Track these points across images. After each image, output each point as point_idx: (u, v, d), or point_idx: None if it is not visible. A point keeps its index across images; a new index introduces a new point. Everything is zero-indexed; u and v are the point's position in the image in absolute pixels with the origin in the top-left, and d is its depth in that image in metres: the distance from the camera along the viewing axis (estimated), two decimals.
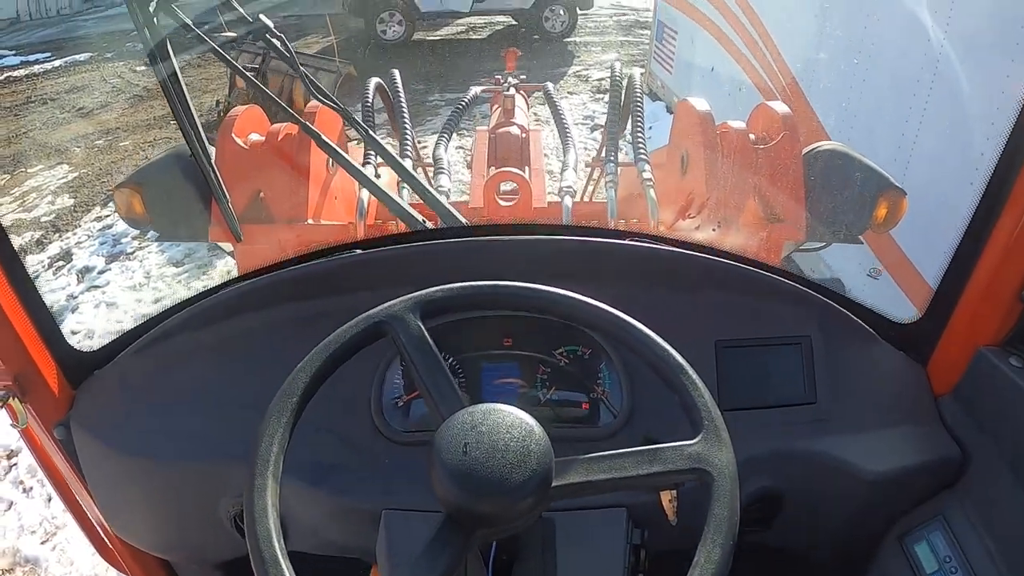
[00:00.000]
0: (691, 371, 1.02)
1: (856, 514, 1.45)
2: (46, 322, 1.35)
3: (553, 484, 0.89)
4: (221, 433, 1.36)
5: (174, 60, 1.60)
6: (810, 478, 1.41)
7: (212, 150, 2.38)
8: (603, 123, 3.26)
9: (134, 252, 6.33)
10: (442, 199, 2.30)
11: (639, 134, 2.55)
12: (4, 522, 3.62)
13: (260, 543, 0.84)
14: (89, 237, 6.96)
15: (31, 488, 3.80)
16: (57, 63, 15.18)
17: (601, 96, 10.70)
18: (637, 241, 1.48)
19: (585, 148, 8.39)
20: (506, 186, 2.49)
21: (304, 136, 2.19)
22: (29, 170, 9.07)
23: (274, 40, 1.85)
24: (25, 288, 1.29)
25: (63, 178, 8.64)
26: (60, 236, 7.10)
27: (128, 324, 5.24)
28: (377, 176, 2.49)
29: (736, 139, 2.43)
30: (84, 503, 1.55)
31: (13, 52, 17.26)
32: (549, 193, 2.81)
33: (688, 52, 8.50)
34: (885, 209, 2.30)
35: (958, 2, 3.46)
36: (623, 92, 2.88)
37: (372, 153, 2.48)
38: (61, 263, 6.51)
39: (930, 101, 3.68)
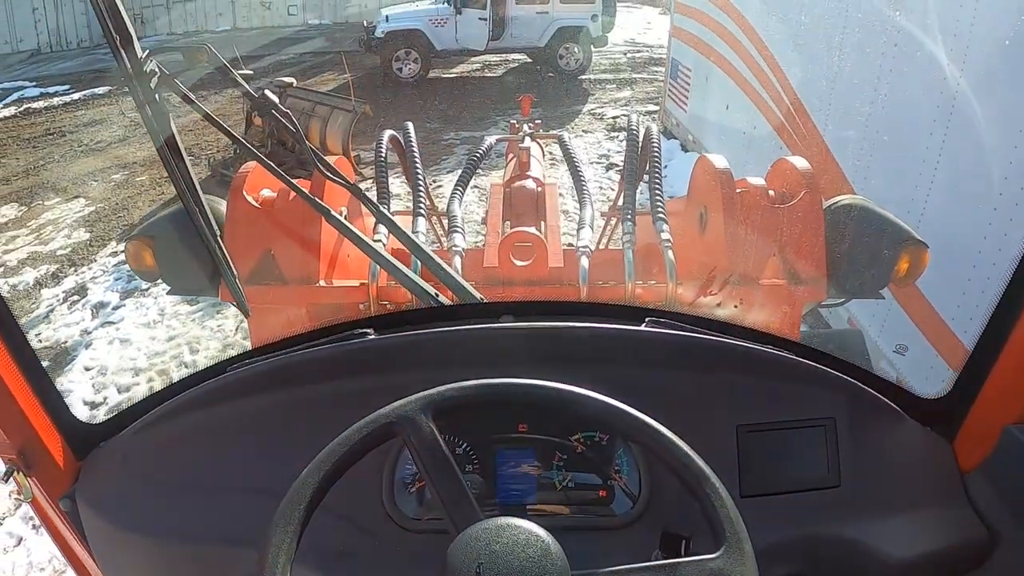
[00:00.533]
0: (714, 479, 0.99)
1: None
2: (50, 394, 1.33)
3: None
4: (227, 517, 1.32)
5: (177, 137, 1.58)
6: (835, 564, 1.36)
7: (224, 204, 2.38)
8: (617, 162, 3.23)
9: (148, 288, 6.34)
10: (453, 266, 2.28)
11: (657, 194, 2.52)
12: (14, 558, 3.61)
13: None
14: (104, 272, 7.00)
15: (40, 526, 3.77)
16: (76, 96, 15.42)
17: (616, 134, 10.75)
18: (655, 328, 1.44)
19: (600, 188, 8.42)
20: (523, 244, 2.46)
21: (316, 191, 2.17)
22: (46, 203, 9.16)
23: (279, 115, 1.83)
24: (28, 360, 1.27)
25: (80, 212, 8.72)
26: (75, 270, 7.14)
27: (141, 361, 5.28)
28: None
29: (756, 197, 2.40)
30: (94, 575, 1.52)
31: (33, 84, 17.56)
32: (566, 246, 2.78)
33: (702, 90, 8.54)
34: (907, 263, 2.27)
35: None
36: (639, 144, 2.85)
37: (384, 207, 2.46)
38: (76, 297, 6.54)
39: (947, 136, 3.67)
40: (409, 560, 1.29)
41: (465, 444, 1.38)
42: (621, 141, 3.21)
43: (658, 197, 2.52)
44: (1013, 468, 1.28)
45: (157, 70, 1.51)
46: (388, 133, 2.82)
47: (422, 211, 2.57)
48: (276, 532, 0.91)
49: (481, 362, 1.14)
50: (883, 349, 4.22)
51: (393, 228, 1.97)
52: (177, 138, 1.57)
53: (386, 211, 2.37)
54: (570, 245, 2.64)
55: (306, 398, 1.37)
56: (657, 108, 11.27)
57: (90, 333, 5.88)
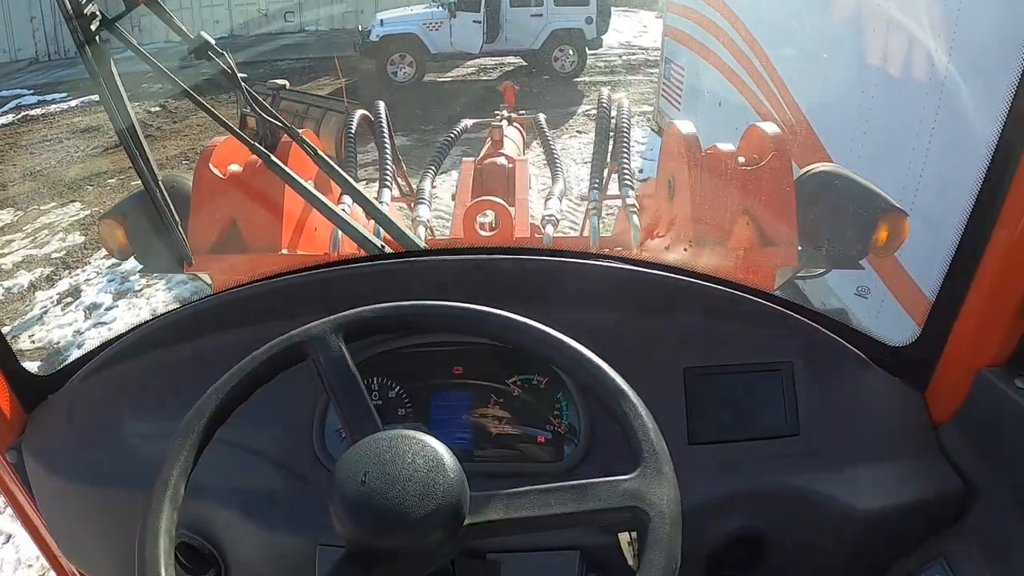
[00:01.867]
0: (632, 395, 0.93)
1: (849, 556, 1.32)
2: None
3: (466, 522, 0.82)
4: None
5: (128, 106, 1.57)
6: (795, 517, 1.29)
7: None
8: (611, 161, 3.23)
9: (141, 290, 6.35)
10: (408, 226, 2.28)
11: (624, 160, 2.51)
12: (2, 555, 3.59)
13: (147, 569, 0.79)
14: (98, 274, 7.00)
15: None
16: (73, 103, 15.42)
17: (610, 134, 10.72)
18: (593, 261, 1.39)
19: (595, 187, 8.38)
20: (488, 217, 2.44)
21: (282, 158, 2.17)
22: (42, 207, 9.16)
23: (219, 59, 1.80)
24: None
25: (75, 216, 8.72)
26: (70, 272, 7.14)
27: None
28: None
29: (724, 160, 2.38)
30: (42, 531, 1.51)
31: (31, 91, 17.58)
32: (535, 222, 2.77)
33: (695, 87, 8.54)
34: (886, 232, 2.22)
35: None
36: (612, 120, 2.85)
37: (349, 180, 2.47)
38: (70, 299, 6.54)
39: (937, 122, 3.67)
40: None
41: (397, 387, 1.34)
42: (610, 138, 3.17)
43: (625, 164, 2.51)
44: (989, 415, 1.22)
45: (98, 13, 1.50)
46: (359, 112, 2.82)
47: (388, 184, 2.56)
48: (173, 446, 0.90)
49: (410, 295, 1.09)
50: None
51: (349, 188, 1.96)
52: (131, 112, 1.57)
53: (351, 179, 2.38)
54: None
55: (242, 338, 1.31)
56: (651, 109, 11.27)
57: (83, 334, 5.88)
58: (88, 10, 1.48)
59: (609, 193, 2.62)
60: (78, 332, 5.89)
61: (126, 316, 6.01)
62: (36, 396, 1.41)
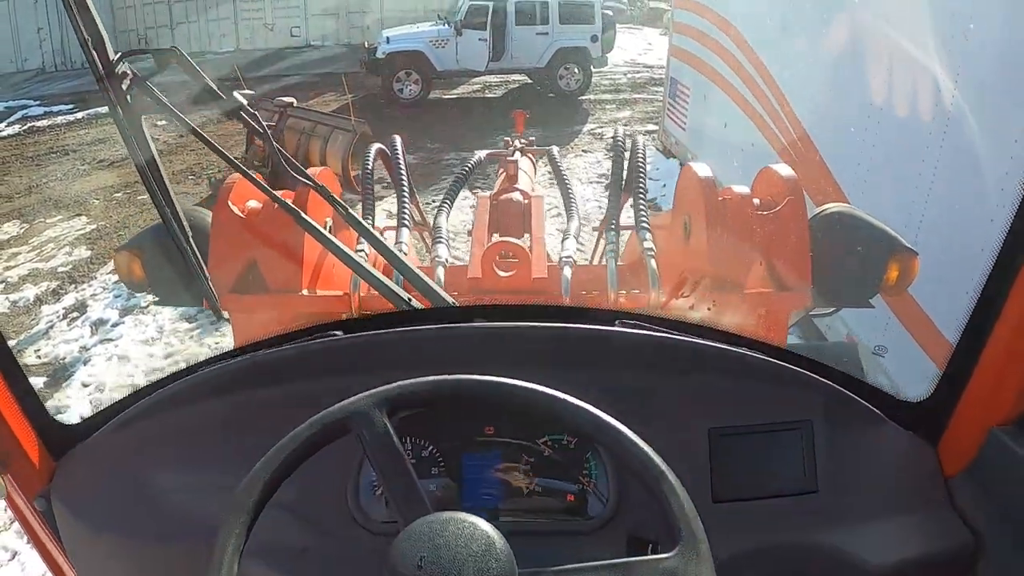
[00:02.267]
0: (671, 476, 0.97)
1: None
2: (27, 394, 1.33)
3: None
4: (197, 516, 1.30)
5: (152, 146, 1.58)
6: (813, 572, 1.32)
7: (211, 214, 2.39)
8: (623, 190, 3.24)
9: (148, 306, 6.35)
10: (436, 277, 2.29)
11: (640, 201, 2.52)
12: (7, 573, 3.59)
13: None
14: (104, 289, 7.02)
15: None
16: (80, 115, 15.51)
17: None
18: (625, 327, 1.42)
19: (599, 207, 8.44)
20: (507, 257, 2.46)
21: (301, 203, 2.18)
22: (48, 220, 9.20)
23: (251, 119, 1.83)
24: (5, 359, 1.27)
25: (81, 229, 8.76)
26: (76, 287, 7.17)
27: (139, 379, 5.29)
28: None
29: (739, 205, 2.39)
30: None
31: (38, 102, 17.68)
32: (552, 258, 2.78)
33: (700, 109, 8.59)
34: (896, 271, 2.25)
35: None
36: (627, 156, 2.85)
37: (369, 220, 2.47)
38: (75, 314, 6.56)
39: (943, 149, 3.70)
40: (368, 560, 1.28)
41: (431, 447, 1.36)
42: (611, 148, 3.21)
43: (641, 207, 2.52)
44: (999, 471, 1.24)
45: (130, 72, 1.51)
46: (376, 146, 2.83)
47: (406, 223, 2.57)
48: (225, 525, 0.91)
49: (447, 362, 1.12)
50: (883, 364, 4.22)
51: (370, 237, 1.98)
52: (152, 147, 1.58)
53: (369, 224, 2.38)
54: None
55: (276, 397, 1.36)
56: (656, 127, 11.32)
57: (89, 349, 5.89)
58: (119, 70, 1.49)
59: (623, 224, 2.63)
60: (84, 348, 5.90)
61: (132, 333, 6.02)
62: (64, 444, 1.42)
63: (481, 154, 3.67)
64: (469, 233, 2.77)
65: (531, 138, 4.34)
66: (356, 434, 1.01)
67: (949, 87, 3.66)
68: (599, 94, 15.88)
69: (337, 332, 1.44)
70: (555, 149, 3.54)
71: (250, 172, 1.85)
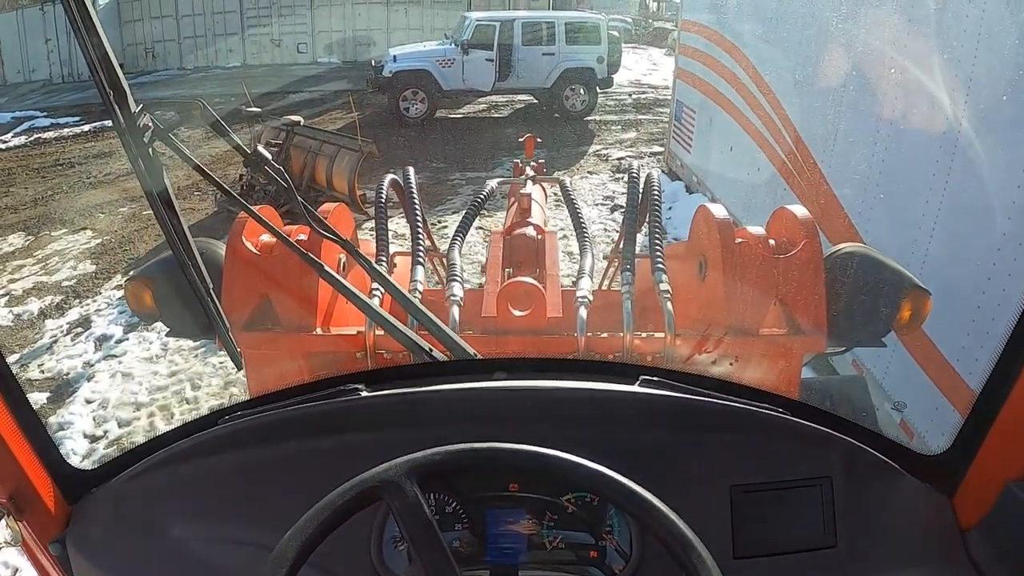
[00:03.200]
0: (699, 547, 0.98)
1: None
2: (42, 439, 1.33)
3: None
4: (214, 571, 1.32)
5: (170, 190, 1.58)
6: None
7: (223, 247, 2.38)
8: (622, 203, 3.23)
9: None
10: (451, 318, 2.29)
11: (657, 244, 2.51)
12: None
13: None
14: (109, 305, 7.03)
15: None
16: (86, 128, 15.60)
17: (621, 175, 10.82)
18: (648, 388, 1.44)
19: (604, 230, 8.47)
20: (521, 296, 2.46)
21: (315, 239, 2.17)
22: (53, 233, 9.24)
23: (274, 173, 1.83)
24: (20, 404, 1.27)
25: (86, 243, 8.78)
26: (80, 302, 7.18)
27: (143, 396, 5.27)
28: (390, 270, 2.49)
29: (755, 247, 2.39)
30: None
31: (44, 114, 17.79)
32: (567, 286, 2.77)
33: (706, 132, 8.62)
34: (909, 310, 2.26)
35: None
36: (640, 190, 2.85)
37: (383, 262, 2.46)
38: (80, 329, 6.56)
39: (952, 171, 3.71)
40: None
41: (455, 502, 1.37)
42: (625, 183, 3.19)
43: (658, 247, 2.51)
44: (1014, 525, 1.27)
45: (151, 124, 1.51)
46: (389, 177, 2.82)
47: (421, 260, 2.56)
48: None
49: (472, 421, 1.15)
50: (888, 391, 4.22)
51: (387, 285, 1.98)
52: (170, 191, 1.57)
53: (383, 267, 2.37)
54: (573, 284, 2.63)
55: (297, 453, 1.37)
56: (662, 149, 11.36)
57: (92, 366, 5.90)
58: (141, 122, 1.49)
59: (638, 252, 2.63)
60: (88, 364, 5.90)
61: (136, 350, 6.02)
62: (79, 489, 1.42)
63: (493, 184, 3.66)
64: (482, 269, 2.76)
65: (541, 160, 4.34)
66: (387, 503, 1.02)
67: (957, 109, 3.68)
68: (604, 115, 15.96)
69: (359, 386, 1.44)
70: (567, 180, 3.53)
71: (261, 216, 1.84)
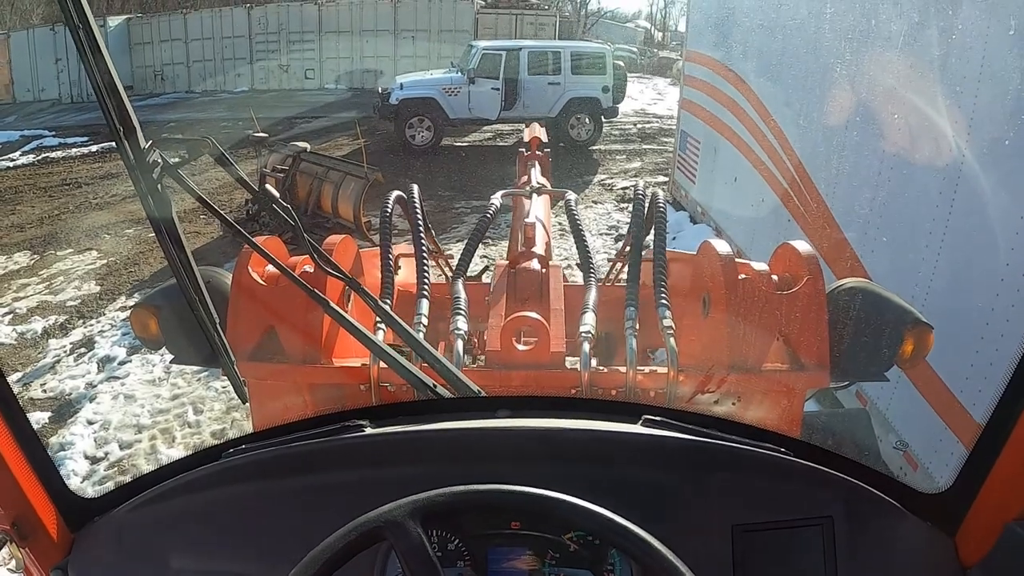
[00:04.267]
0: None
1: None
2: (45, 466, 1.34)
3: None
4: None
5: (177, 225, 1.60)
6: None
7: (229, 277, 2.39)
8: (626, 233, 3.23)
9: None
10: (455, 353, 2.29)
11: (661, 281, 2.50)
12: None
13: None
14: (112, 326, 7.04)
15: None
16: (94, 148, 15.72)
17: (626, 205, 10.85)
18: (651, 428, 1.45)
19: (608, 259, 8.44)
20: (525, 330, 2.46)
21: (320, 270, 2.19)
22: (58, 252, 9.28)
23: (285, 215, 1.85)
24: (24, 431, 1.28)
25: (91, 264, 8.82)
26: (84, 322, 7.19)
27: (144, 419, 5.26)
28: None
29: (758, 284, 2.40)
30: None
31: (53, 133, 17.93)
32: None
33: (711, 162, 8.66)
34: (912, 345, 2.26)
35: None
36: (644, 216, 2.86)
37: (388, 300, 2.46)
38: (83, 350, 6.57)
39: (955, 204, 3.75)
40: None
41: (457, 540, 1.38)
42: (630, 212, 3.16)
43: (661, 283, 2.50)
44: (1014, 565, 1.27)
45: (160, 161, 1.53)
46: (395, 193, 2.79)
47: (426, 293, 2.55)
48: None
49: (475, 460, 1.17)
50: (892, 422, 4.21)
51: (391, 322, 1.98)
52: (177, 226, 1.59)
53: (388, 304, 2.38)
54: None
55: (300, 489, 1.38)
56: (667, 179, 11.41)
57: (95, 387, 5.89)
58: (150, 159, 1.51)
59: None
60: (90, 384, 5.90)
61: (139, 372, 6.02)
62: (82, 517, 1.42)
63: (497, 201, 3.60)
64: (487, 303, 2.76)
65: (547, 150, 4.26)
66: (390, 544, 1.03)
67: (960, 144, 3.71)
68: (609, 144, 16.05)
69: (363, 422, 1.45)
70: (573, 197, 3.46)
71: (267, 252, 1.86)
